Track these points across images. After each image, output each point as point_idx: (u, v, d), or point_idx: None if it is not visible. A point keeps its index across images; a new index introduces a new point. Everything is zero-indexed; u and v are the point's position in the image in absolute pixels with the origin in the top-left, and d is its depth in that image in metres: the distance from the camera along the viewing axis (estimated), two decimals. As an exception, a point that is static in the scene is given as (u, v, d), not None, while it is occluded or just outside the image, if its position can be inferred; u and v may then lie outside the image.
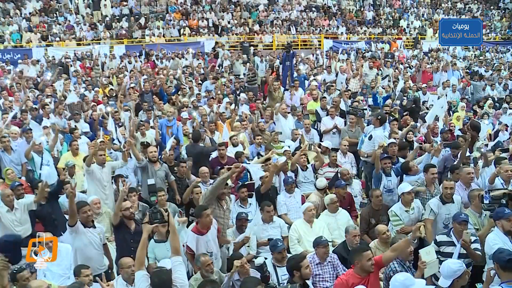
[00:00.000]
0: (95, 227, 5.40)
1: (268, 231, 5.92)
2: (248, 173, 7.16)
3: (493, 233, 4.71)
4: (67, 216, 6.31)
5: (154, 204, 6.47)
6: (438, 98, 11.33)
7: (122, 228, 5.37)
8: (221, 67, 16.94)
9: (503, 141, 9.10)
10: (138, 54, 18.24)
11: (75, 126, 9.50)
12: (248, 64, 16.49)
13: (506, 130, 9.89)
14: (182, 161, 7.47)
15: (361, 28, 24.46)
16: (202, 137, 8.49)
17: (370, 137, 7.90)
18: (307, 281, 4.39)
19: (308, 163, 7.87)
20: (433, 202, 5.72)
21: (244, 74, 15.56)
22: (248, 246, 5.69)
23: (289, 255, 5.01)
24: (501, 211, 4.75)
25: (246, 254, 5.47)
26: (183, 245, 5.28)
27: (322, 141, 8.77)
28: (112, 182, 7.28)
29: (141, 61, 17.45)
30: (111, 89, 12.71)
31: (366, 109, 10.26)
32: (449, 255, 4.72)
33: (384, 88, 12.99)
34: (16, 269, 4.25)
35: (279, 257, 4.95)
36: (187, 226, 6.14)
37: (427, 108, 11.58)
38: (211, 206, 5.41)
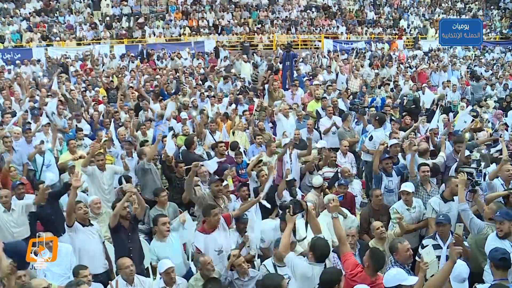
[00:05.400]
0: (92, 225, 5.42)
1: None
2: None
3: (493, 234, 4.72)
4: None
5: (155, 203, 6.54)
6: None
7: (119, 228, 5.32)
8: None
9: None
10: (137, 53, 18.27)
11: (76, 125, 9.51)
12: (248, 63, 16.51)
13: (506, 130, 9.89)
14: (181, 161, 7.48)
15: (361, 28, 24.45)
16: (195, 145, 8.34)
17: (371, 138, 7.91)
18: None
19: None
20: (434, 201, 5.73)
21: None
22: (248, 247, 5.68)
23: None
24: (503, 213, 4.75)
25: (246, 254, 5.47)
26: (193, 245, 5.32)
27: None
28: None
29: (139, 60, 17.45)
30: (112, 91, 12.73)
31: (367, 107, 10.26)
32: (437, 258, 4.74)
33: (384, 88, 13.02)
34: None
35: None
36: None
37: (427, 109, 11.59)
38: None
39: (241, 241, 5.52)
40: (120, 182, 7.33)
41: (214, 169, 6.74)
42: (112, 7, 22.50)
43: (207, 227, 5.09)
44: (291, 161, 7.25)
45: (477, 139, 8.81)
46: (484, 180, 6.16)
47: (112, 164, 7.73)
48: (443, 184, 6.56)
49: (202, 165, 6.46)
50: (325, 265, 4.18)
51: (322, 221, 6.06)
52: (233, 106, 11.18)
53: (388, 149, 7.27)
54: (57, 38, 19.97)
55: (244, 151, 8.78)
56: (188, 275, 5.23)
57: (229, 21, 22.93)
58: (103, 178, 6.98)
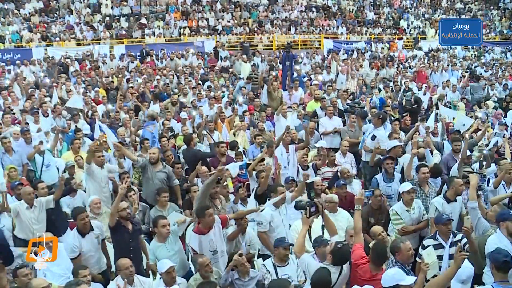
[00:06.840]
0: (93, 230, 5.37)
1: None
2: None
3: (494, 235, 4.70)
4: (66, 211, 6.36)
5: (155, 205, 6.54)
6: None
7: (120, 228, 5.31)
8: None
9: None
10: (138, 54, 18.28)
11: (76, 126, 9.52)
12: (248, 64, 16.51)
13: (506, 130, 9.88)
14: (178, 162, 7.46)
15: (361, 28, 24.45)
16: (195, 141, 8.33)
17: (373, 137, 7.87)
18: None
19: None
20: (438, 201, 5.71)
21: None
22: (249, 245, 5.69)
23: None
24: (505, 213, 4.74)
25: (247, 253, 5.47)
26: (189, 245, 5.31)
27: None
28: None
29: (138, 60, 17.47)
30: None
31: (364, 107, 10.26)
32: (439, 257, 4.74)
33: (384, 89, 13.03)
34: (17, 265, 4.28)
35: (282, 254, 4.87)
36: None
37: (427, 109, 11.60)
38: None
39: (238, 229, 5.54)
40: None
41: (236, 174, 6.59)
42: (112, 7, 22.49)
43: (202, 227, 5.08)
44: (288, 158, 7.24)
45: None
46: (488, 185, 6.14)
47: None
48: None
49: (227, 169, 6.08)
50: (341, 268, 4.21)
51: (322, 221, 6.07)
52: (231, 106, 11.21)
53: (387, 150, 7.26)
54: (57, 39, 19.97)
55: (244, 151, 8.78)
56: (188, 275, 5.23)
57: (229, 21, 22.92)
58: (101, 175, 6.93)
